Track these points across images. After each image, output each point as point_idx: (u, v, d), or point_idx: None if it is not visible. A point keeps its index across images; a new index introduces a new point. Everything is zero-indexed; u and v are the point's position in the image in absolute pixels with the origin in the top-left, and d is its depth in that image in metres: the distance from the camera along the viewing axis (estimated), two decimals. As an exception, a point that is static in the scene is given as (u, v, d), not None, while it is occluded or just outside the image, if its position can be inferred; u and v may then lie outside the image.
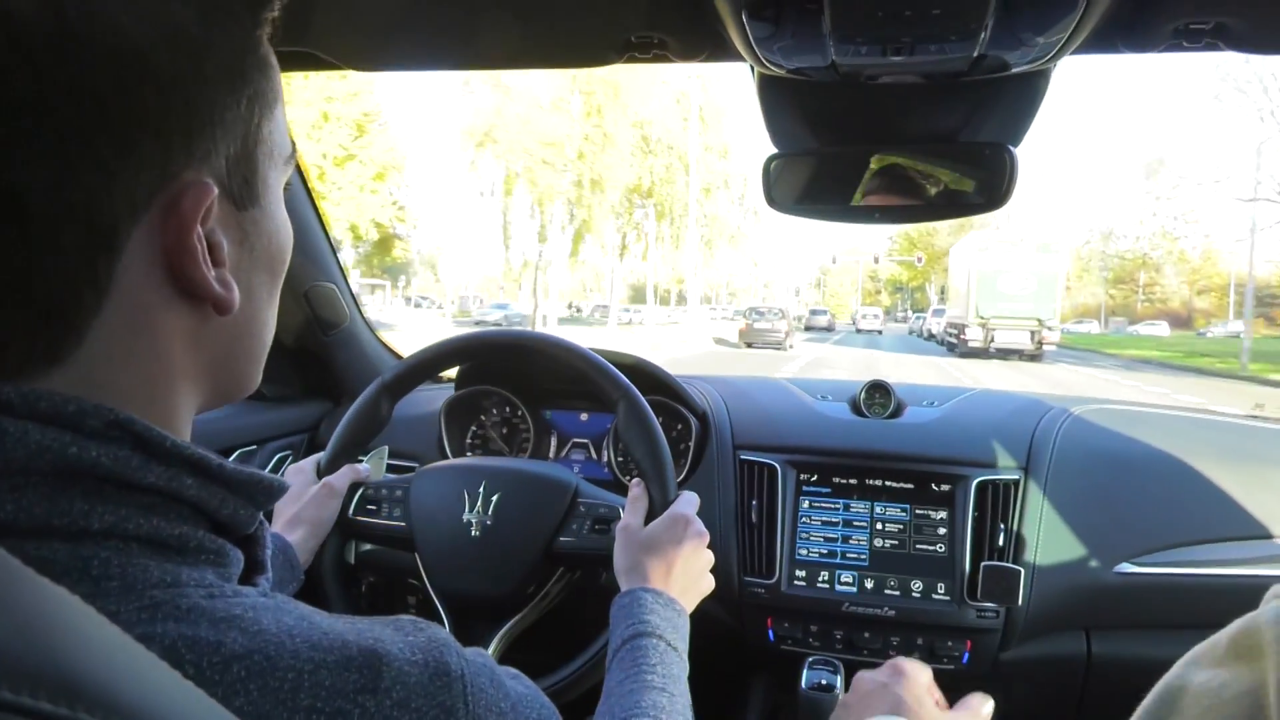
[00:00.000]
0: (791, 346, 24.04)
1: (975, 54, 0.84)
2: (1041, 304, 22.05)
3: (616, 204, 30.28)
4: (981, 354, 22.07)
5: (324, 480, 1.03)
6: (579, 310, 35.92)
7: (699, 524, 0.92)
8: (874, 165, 1.13)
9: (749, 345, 23.55)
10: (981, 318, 22.04)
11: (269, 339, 0.51)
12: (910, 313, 70.73)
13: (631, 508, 0.94)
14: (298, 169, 1.33)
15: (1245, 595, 1.16)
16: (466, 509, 1.00)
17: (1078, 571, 1.18)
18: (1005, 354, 22.03)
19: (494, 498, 1.00)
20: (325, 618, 0.42)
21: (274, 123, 0.47)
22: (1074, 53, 0.85)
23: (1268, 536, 1.17)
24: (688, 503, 0.94)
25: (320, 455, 1.07)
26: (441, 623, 1.01)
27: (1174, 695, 0.34)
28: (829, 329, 42.16)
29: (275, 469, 1.46)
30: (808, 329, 40.41)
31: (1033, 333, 21.71)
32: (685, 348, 22.24)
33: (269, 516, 1.03)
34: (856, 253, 79.42)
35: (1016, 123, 1.08)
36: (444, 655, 0.44)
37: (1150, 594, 1.18)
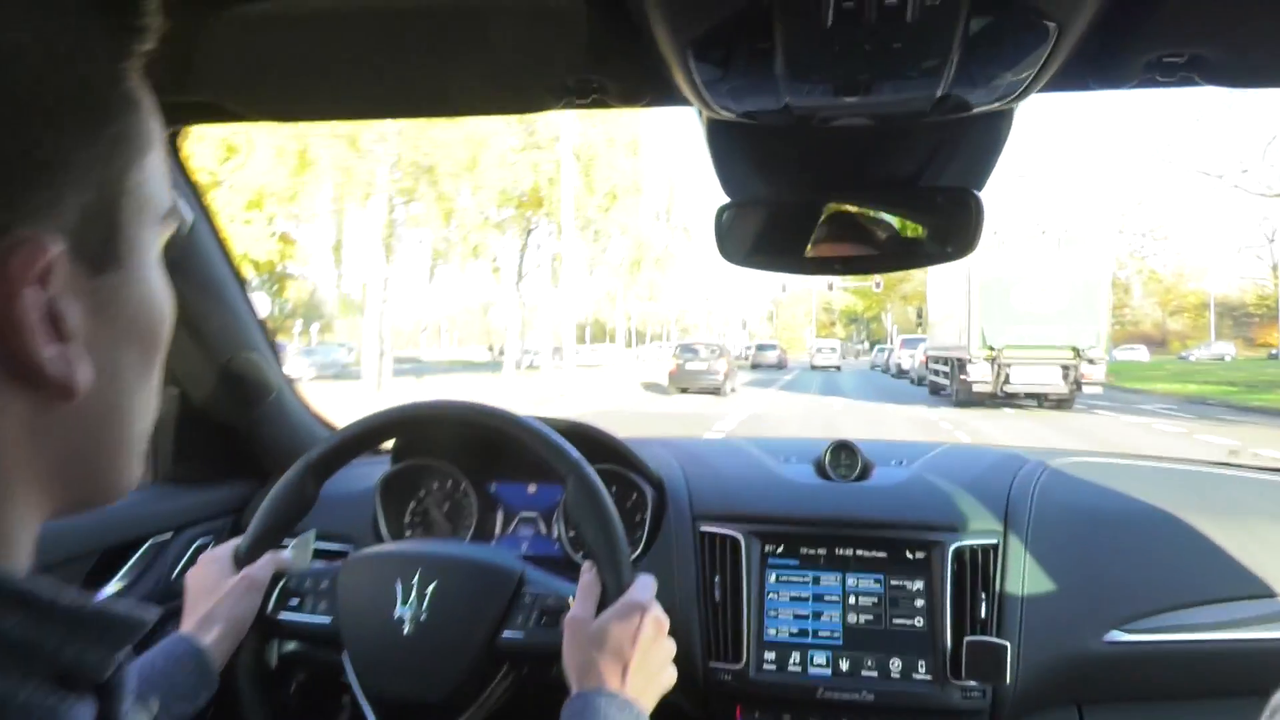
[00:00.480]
0: (733, 390, 20.15)
1: (938, 94, 0.78)
2: (1078, 324, 14.10)
3: (499, 217, 22.89)
4: (986, 399, 14.80)
5: (243, 572, 0.92)
6: (501, 353, 29.54)
7: (657, 610, 0.84)
8: (829, 213, 1.06)
9: (681, 390, 19.62)
10: (990, 348, 14.27)
11: (142, 428, 0.42)
12: (869, 344, 67.18)
13: (582, 596, 0.86)
14: (209, 223, 1.23)
15: (1243, 661, 1.09)
16: (399, 603, 0.90)
17: (1066, 642, 1.09)
18: (1024, 398, 15.04)
19: (429, 589, 0.90)
20: None
21: (145, 172, 0.39)
22: (1042, 90, 0.79)
23: (1263, 595, 1.10)
24: (644, 587, 0.86)
25: (238, 541, 0.96)
26: None
27: None
28: (780, 366, 35.40)
29: (193, 559, 1.32)
30: (755, 367, 34.47)
31: (1066, 367, 14.17)
32: (592, 398, 17.42)
33: (176, 615, 0.92)
34: (809, 281, 75.12)
35: (979, 165, 1.02)
36: None
37: (1143, 663, 1.10)
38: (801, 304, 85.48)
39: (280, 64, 0.90)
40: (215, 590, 0.91)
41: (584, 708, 0.75)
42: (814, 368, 36.19)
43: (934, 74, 0.74)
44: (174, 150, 1.13)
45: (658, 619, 0.84)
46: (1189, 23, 0.71)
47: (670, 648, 0.85)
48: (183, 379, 1.32)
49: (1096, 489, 1.24)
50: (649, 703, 0.80)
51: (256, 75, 0.93)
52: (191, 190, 1.16)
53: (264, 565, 0.94)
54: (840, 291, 75.40)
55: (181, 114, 1.01)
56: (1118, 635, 1.09)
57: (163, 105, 0.40)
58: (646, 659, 0.81)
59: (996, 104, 0.83)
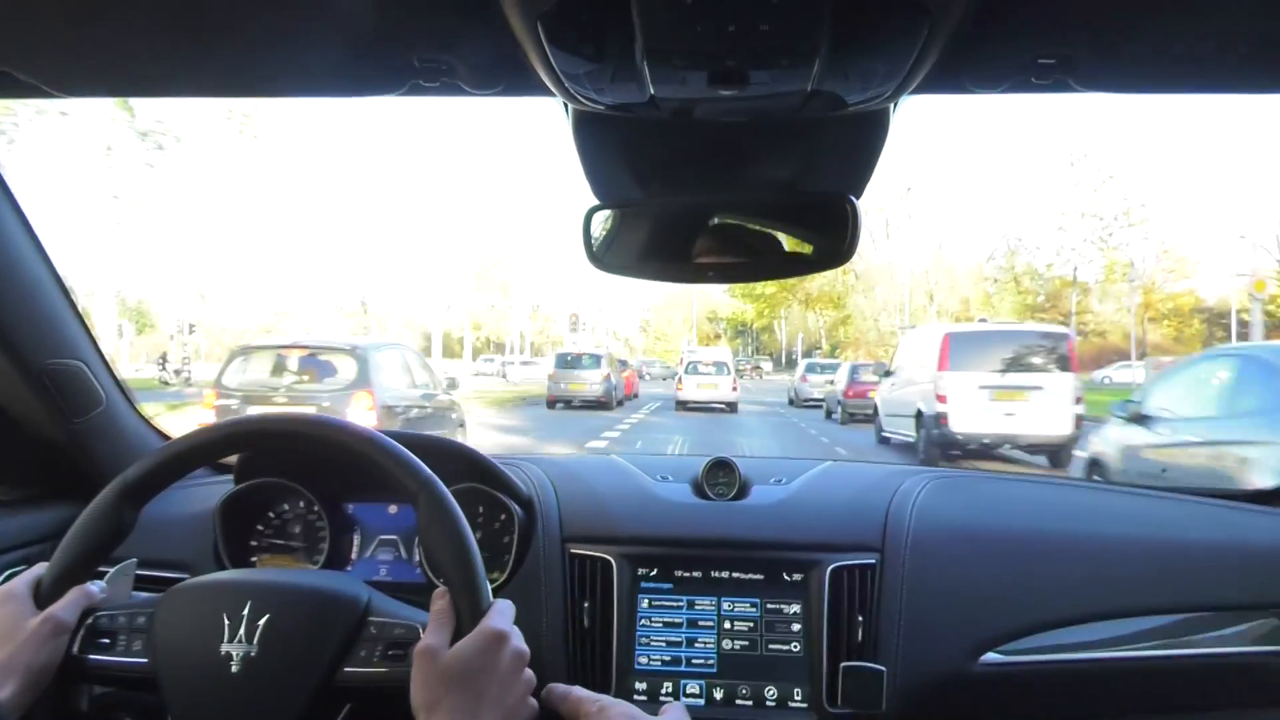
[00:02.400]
0: (621, 403, 18.31)
1: (809, 88, 0.73)
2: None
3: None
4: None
5: (45, 613, 0.80)
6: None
7: (517, 639, 0.77)
8: (704, 218, 1.01)
9: (553, 404, 17.80)
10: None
11: None
12: (774, 359, 56.69)
13: (434, 624, 0.77)
14: (17, 215, 1.08)
15: (1113, 680, 1.07)
16: (226, 638, 0.80)
17: (942, 665, 1.06)
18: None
19: (261, 621, 0.80)
20: None
21: None
22: (918, 91, 0.75)
23: (1131, 613, 1.10)
24: (502, 615, 0.78)
25: (38, 570, 0.84)
26: None
27: None
28: (603, 403, 18.53)
29: None
30: (552, 405, 18.58)
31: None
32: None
33: None
34: (689, 290, 61.51)
35: (857, 169, 0.98)
36: None
37: (1017, 684, 1.08)
38: (679, 309, 70.92)
39: (88, 32, 0.78)
40: (11, 635, 0.78)
41: None
42: (682, 406, 18.81)
43: (804, 64, 0.69)
44: None
45: (517, 650, 0.77)
46: (1062, 22, 0.68)
47: (530, 681, 0.78)
48: None
49: (975, 506, 1.22)
50: None
51: (55, 44, 0.81)
52: None
53: (71, 604, 0.82)
54: (725, 295, 65.12)
55: None
56: (993, 657, 1.06)
57: None
58: (504, 695, 0.74)
59: (870, 102, 0.79)
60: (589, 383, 17.93)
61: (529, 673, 0.78)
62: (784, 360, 60.77)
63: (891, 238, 49.64)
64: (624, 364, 23.77)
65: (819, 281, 52.29)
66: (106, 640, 0.83)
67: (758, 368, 51.81)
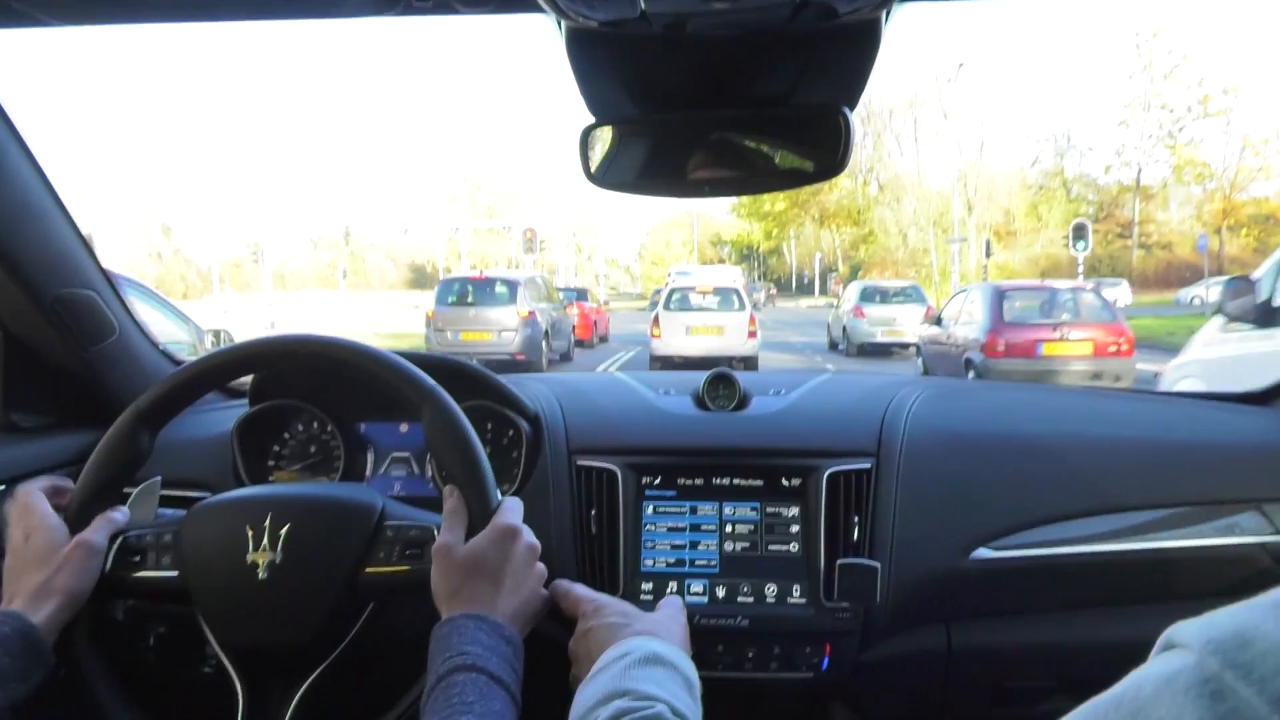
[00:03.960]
0: (566, 357, 14.39)
1: None
2: None
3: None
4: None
5: (76, 539, 0.87)
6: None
7: (528, 535, 0.86)
8: (699, 132, 1.06)
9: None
10: None
11: None
12: (808, 280, 50.58)
13: (449, 523, 0.86)
14: (20, 146, 1.14)
15: (1098, 573, 1.17)
16: (251, 548, 0.89)
17: (934, 561, 1.16)
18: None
19: (283, 531, 0.89)
20: None
21: None
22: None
23: (1117, 510, 1.18)
24: (512, 511, 0.86)
25: (52, 480, 0.93)
26: (234, 684, 0.90)
27: None
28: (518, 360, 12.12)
29: None
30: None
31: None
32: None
33: None
34: (689, 203, 52.69)
35: (850, 82, 1.02)
36: None
37: (1006, 578, 1.17)
38: (678, 230, 66.08)
39: None
40: (47, 560, 0.86)
41: (450, 631, 0.76)
42: (664, 365, 12.27)
43: None
44: None
45: (529, 543, 0.85)
46: None
47: (542, 573, 0.86)
48: (6, 319, 1.25)
49: (967, 413, 1.30)
50: (521, 627, 0.81)
51: None
52: None
53: (100, 528, 0.90)
54: (730, 215, 61.02)
55: None
56: (983, 553, 1.15)
57: None
58: (518, 583, 0.82)
59: (861, 11, 0.83)
60: (496, 329, 12.13)
61: (540, 565, 0.86)
62: (793, 285, 57.29)
63: (921, 140, 45.84)
64: (578, 294, 19.41)
65: (836, 194, 49.28)
66: (137, 557, 0.92)
67: (771, 296, 43.41)
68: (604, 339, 19.12)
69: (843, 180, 50.07)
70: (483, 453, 0.89)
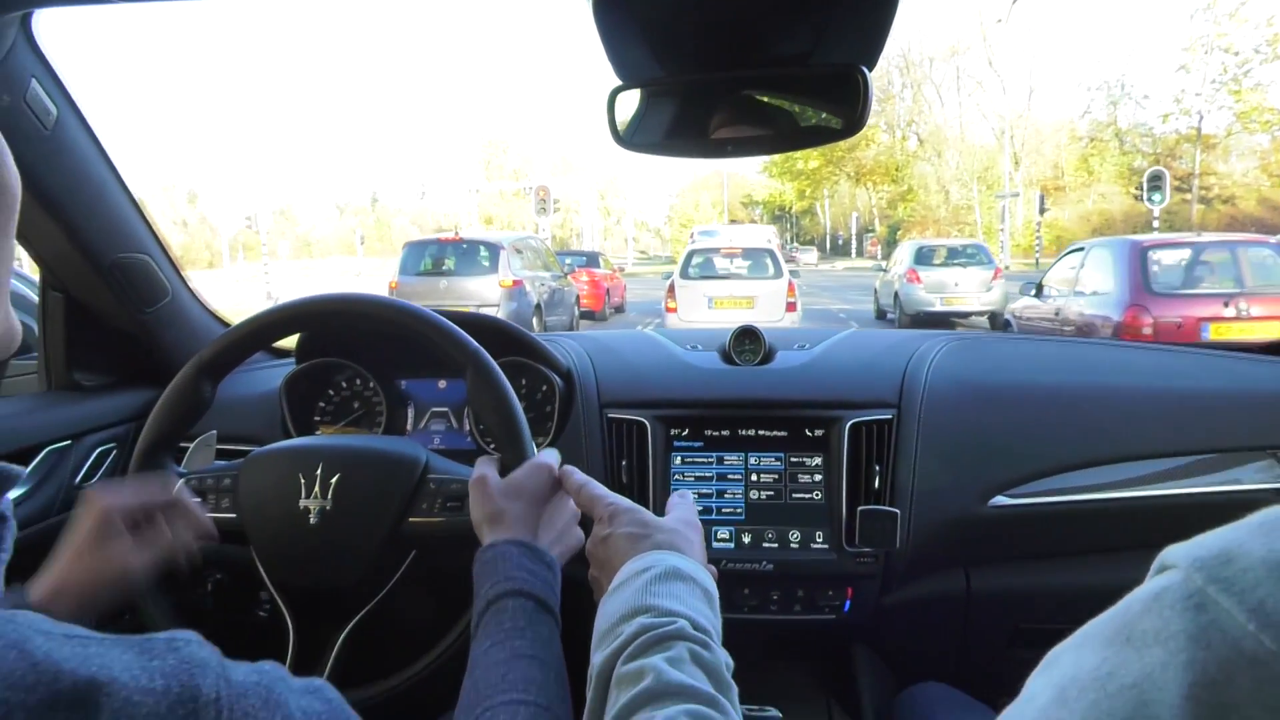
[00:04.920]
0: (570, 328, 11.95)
1: None
2: None
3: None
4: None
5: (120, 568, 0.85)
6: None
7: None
8: (724, 93, 1.12)
9: None
10: None
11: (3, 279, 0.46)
12: (802, 249, 46.06)
13: (484, 463, 0.91)
14: (78, 117, 1.23)
15: (1113, 518, 1.24)
16: (303, 494, 0.96)
17: (953, 508, 1.22)
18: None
19: (333, 480, 0.96)
20: (51, 642, 0.38)
21: None
22: None
23: (1132, 458, 1.24)
24: (549, 456, 0.92)
25: (126, 475, 0.98)
26: (286, 621, 0.98)
27: (1063, 685, 0.33)
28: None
29: (96, 464, 1.38)
30: None
31: None
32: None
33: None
34: (719, 164, 48.92)
35: (869, 42, 1.07)
36: (195, 678, 0.41)
37: (1023, 524, 1.23)
38: (708, 190, 65.65)
39: None
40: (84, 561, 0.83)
41: (495, 557, 0.79)
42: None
43: None
44: (28, 36, 1.12)
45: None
46: None
47: (575, 510, 0.90)
48: (67, 283, 1.35)
49: (988, 364, 1.36)
50: (559, 557, 0.85)
51: None
52: (53, 81, 1.16)
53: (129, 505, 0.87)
54: (762, 176, 59.70)
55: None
56: (1001, 500, 1.22)
57: None
58: (555, 514, 0.87)
59: None
60: (474, 303, 10.33)
61: (573, 504, 0.90)
62: (827, 246, 55.61)
63: (965, 91, 44.27)
64: (588, 258, 17.71)
65: (873, 150, 47.78)
66: (199, 499, 0.99)
67: (792, 259, 36.97)
68: (619, 309, 17.12)
69: (880, 135, 48.94)
70: (520, 410, 0.95)
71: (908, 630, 1.29)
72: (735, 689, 0.59)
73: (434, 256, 11.31)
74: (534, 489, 0.87)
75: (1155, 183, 16.31)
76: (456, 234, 11.33)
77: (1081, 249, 8.03)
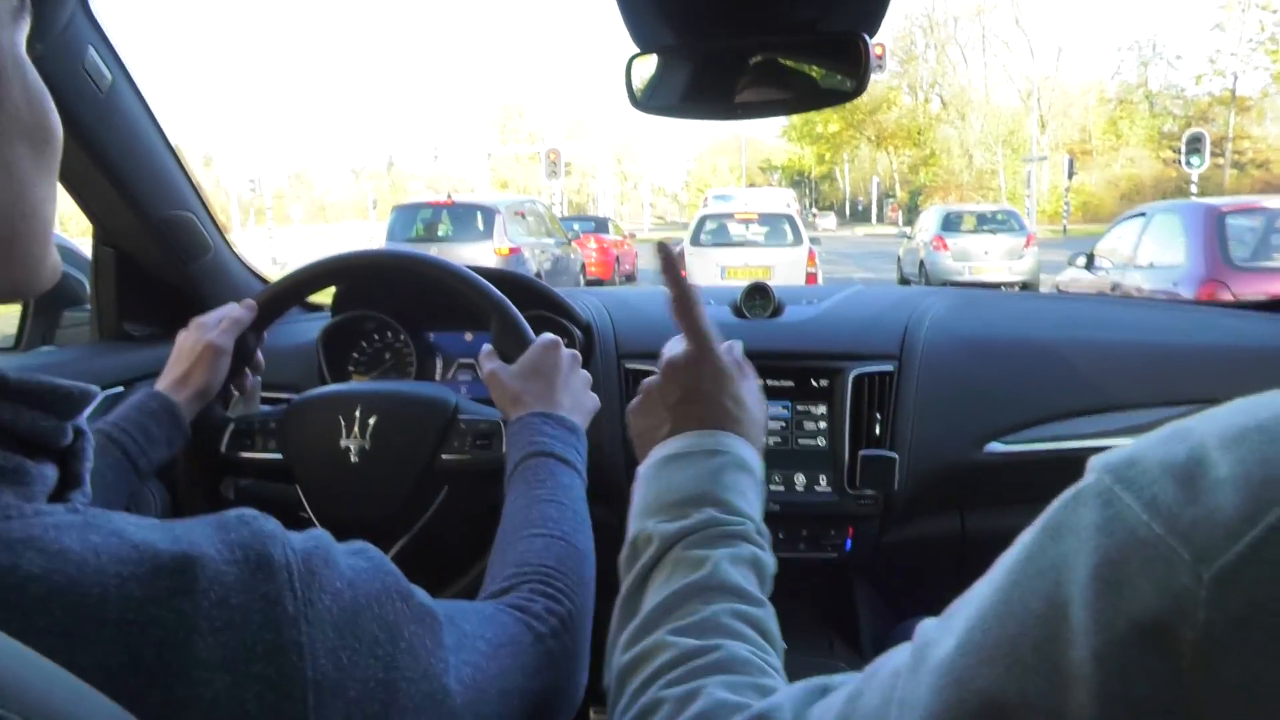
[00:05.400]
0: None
1: None
2: None
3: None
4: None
5: (206, 341, 1.03)
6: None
7: (568, 350, 0.98)
8: (736, 58, 1.19)
9: None
10: None
11: (47, 220, 0.50)
12: (820, 215, 45.92)
13: (487, 357, 1.00)
14: (129, 82, 1.32)
15: None
16: (344, 435, 1.03)
17: (949, 453, 1.31)
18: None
19: (371, 421, 1.03)
20: (141, 529, 0.44)
21: None
22: None
23: (1125, 407, 1.32)
24: (549, 338, 0.99)
25: (234, 308, 1.09)
26: None
27: (996, 567, 0.40)
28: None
29: None
30: None
31: None
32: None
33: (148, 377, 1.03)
34: (735, 127, 53.34)
35: (872, 9, 1.14)
36: (267, 547, 0.46)
37: (1016, 470, 1.32)
38: (725, 155, 66.16)
39: None
40: (185, 358, 1.03)
41: (522, 428, 0.87)
42: None
43: None
44: (85, 6, 1.21)
45: (571, 352, 0.98)
46: None
47: (587, 377, 0.98)
48: (117, 238, 1.44)
49: (986, 319, 1.44)
50: (580, 421, 0.93)
51: None
52: (108, 49, 1.25)
53: (227, 330, 1.06)
54: (780, 140, 58.91)
55: None
56: (996, 446, 1.30)
57: None
58: (569, 382, 0.95)
59: None
60: None
61: (585, 372, 0.99)
62: (847, 212, 54.82)
63: (990, 51, 43.46)
64: (596, 224, 17.04)
65: (895, 113, 46.96)
66: (248, 440, 1.09)
67: (810, 225, 34.37)
68: (630, 278, 16.68)
69: (901, 98, 48.06)
70: None
71: (905, 568, 1.39)
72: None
73: (426, 222, 10.79)
74: (546, 363, 0.95)
75: (1194, 145, 15.69)
76: (449, 197, 10.78)
77: (1143, 214, 7.05)
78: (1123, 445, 0.36)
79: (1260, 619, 0.29)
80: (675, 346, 0.80)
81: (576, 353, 0.99)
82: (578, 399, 0.95)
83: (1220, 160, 32.45)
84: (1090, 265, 7.45)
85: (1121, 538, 0.33)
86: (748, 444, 0.71)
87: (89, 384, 0.47)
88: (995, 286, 11.76)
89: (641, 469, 0.71)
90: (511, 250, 10.14)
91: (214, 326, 1.05)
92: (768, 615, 0.59)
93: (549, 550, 0.74)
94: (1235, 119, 33.19)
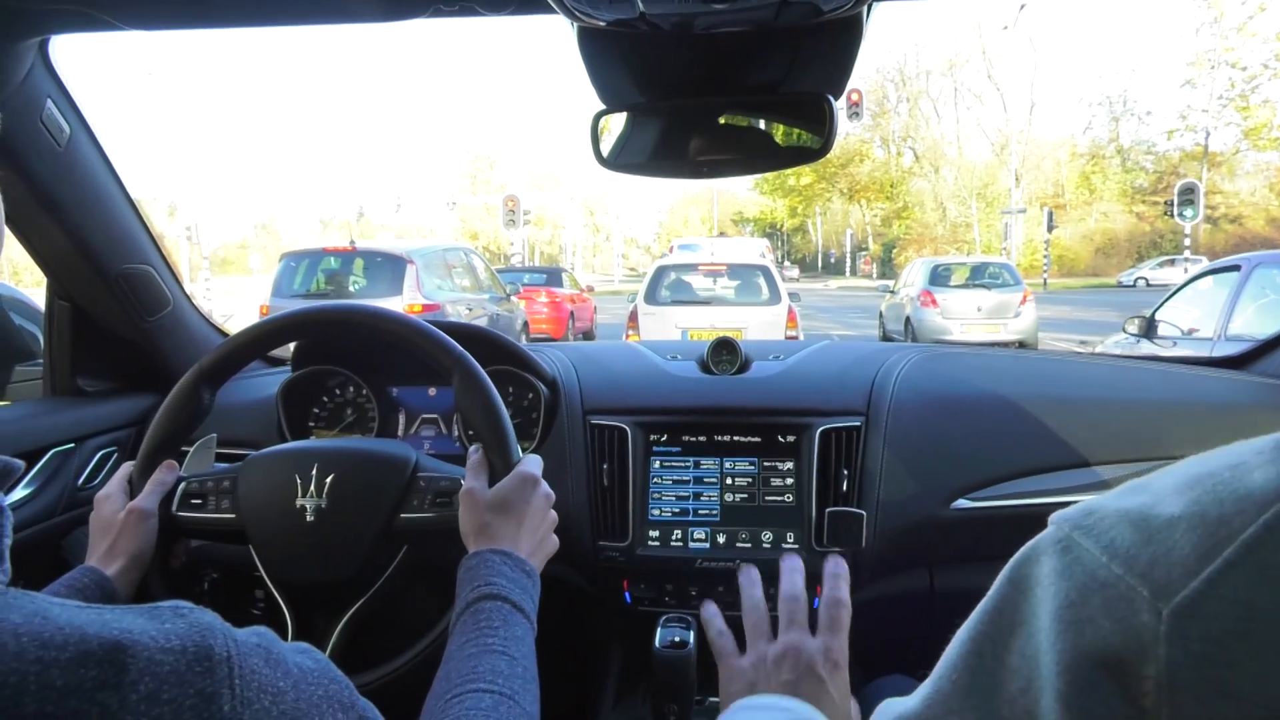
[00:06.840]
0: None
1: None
2: None
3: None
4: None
5: (129, 507, 1.02)
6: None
7: (545, 485, 0.99)
8: (700, 118, 1.25)
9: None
10: None
11: None
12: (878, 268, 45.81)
13: (473, 473, 0.99)
14: (89, 135, 1.35)
15: None
16: (299, 494, 1.03)
17: (917, 510, 1.33)
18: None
19: (328, 479, 1.03)
20: (68, 611, 0.42)
21: None
22: None
23: (1083, 464, 1.36)
24: (533, 464, 1.00)
25: (129, 469, 1.08)
26: (284, 616, 1.05)
27: (970, 620, 0.44)
28: None
29: (98, 467, 1.48)
30: None
31: None
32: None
33: (82, 521, 1.04)
34: (709, 188, 58.73)
35: (835, 72, 1.20)
36: (206, 639, 0.44)
37: (983, 526, 1.35)
38: (697, 206, 67.72)
39: None
40: (111, 527, 1.01)
41: (478, 564, 0.88)
42: None
43: None
44: (45, 59, 1.24)
45: (546, 492, 0.99)
46: None
47: (554, 519, 1.00)
48: (73, 292, 1.46)
49: (952, 375, 1.48)
50: (538, 564, 0.95)
51: None
52: (67, 101, 1.28)
53: (150, 493, 1.05)
54: (753, 193, 60.16)
55: (48, 21, 1.08)
56: (963, 503, 1.33)
57: (27, 12, 0.49)
58: (537, 525, 0.96)
59: (842, 9, 0.96)
60: None
61: (554, 513, 1.00)
62: (819, 264, 55.81)
63: (963, 105, 44.83)
64: (547, 275, 15.77)
65: (868, 166, 47.74)
66: (199, 500, 1.07)
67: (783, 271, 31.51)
68: (587, 335, 15.26)
69: (874, 151, 49.22)
70: (506, 414, 1.03)
71: (874, 627, 1.40)
72: None
73: (329, 273, 9.38)
74: (518, 501, 0.96)
75: (1187, 196, 15.32)
76: (352, 244, 9.47)
77: (1236, 267, 5.47)
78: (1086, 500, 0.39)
79: (1217, 655, 0.30)
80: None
81: (551, 493, 1.00)
82: (541, 542, 0.97)
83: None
84: (1150, 333, 5.94)
85: (1081, 580, 0.36)
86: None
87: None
88: (990, 347, 10.41)
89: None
90: (426, 307, 8.74)
91: (119, 495, 1.05)
92: None
93: (497, 710, 0.74)
94: (1207, 174, 33.81)
